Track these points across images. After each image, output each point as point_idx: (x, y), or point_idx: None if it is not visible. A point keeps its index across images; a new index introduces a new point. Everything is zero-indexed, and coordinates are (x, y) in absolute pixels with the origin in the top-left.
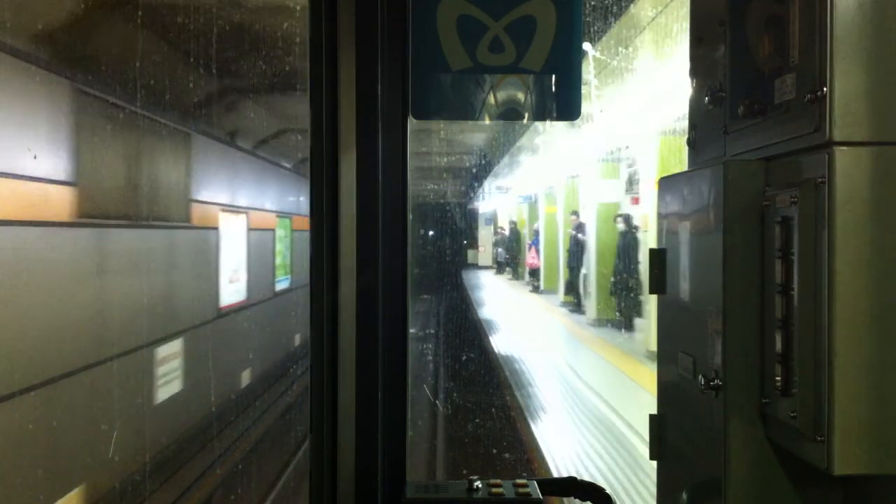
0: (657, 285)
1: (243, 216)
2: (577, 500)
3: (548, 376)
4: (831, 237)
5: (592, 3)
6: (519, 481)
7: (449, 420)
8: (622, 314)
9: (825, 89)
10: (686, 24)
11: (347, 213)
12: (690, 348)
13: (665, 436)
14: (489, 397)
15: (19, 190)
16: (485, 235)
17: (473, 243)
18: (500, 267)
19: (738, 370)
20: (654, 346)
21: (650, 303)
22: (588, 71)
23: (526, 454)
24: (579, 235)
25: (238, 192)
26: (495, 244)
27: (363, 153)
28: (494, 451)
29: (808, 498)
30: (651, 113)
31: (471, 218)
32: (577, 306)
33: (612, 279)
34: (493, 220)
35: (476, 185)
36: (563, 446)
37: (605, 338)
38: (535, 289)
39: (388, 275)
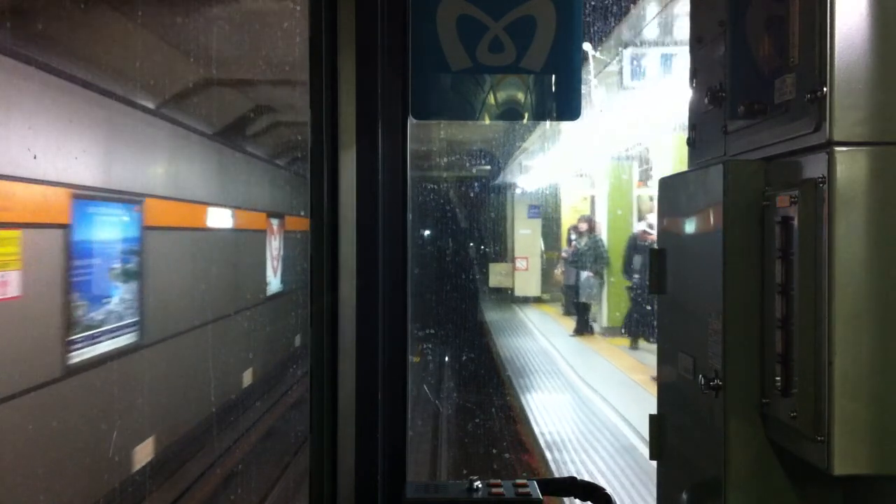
0: (657, 285)
1: None
2: (577, 501)
3: None
4: (831, 237)
5: (592, 3)
6: (519, 481)
7: None
8: None
9: (825, 89)
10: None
11: (347, 213)
12: (690, 348)
13: (665, 436)
14: None
15: None
16: (527, 239)
17: (501, 249)
18: (581, 314)
19: (738, 370)
20: None
21: None
22: None
23: None
24: None
25: None
26: (573, 260)
27: (363, 153)
28: None
29: (808, 498)
30: None
31: (496, 201)
32: None
33: None
34: (541, 206)
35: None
36: None
37: None
38: None
39: (388, 275)
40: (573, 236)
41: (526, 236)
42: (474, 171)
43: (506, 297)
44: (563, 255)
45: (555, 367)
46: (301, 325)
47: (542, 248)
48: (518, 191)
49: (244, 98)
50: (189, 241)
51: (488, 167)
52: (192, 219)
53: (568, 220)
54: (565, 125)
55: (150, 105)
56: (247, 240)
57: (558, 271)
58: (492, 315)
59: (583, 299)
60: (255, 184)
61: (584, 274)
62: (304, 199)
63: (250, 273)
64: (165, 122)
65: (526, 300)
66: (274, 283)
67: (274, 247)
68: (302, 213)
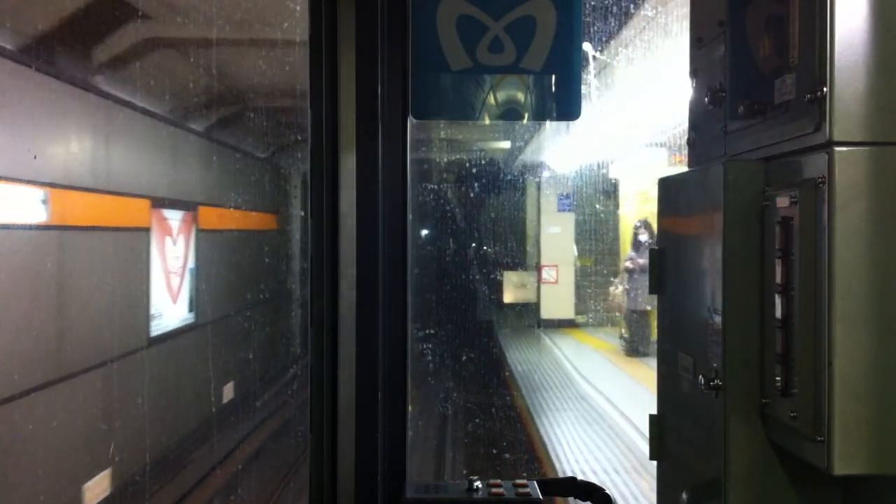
0: (657, 285)
1: None
2: (577, 500)
3: None
4: (831, 237)
5: (592, 3)
6: (519, 481)
7: None
8: None
9: (825, 89)
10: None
11: (347, 213)
12: (690, 348)
13: (665, 436)
14: None
15: None
16: (556, 241)
17: (519, 255)
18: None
19: (738, 370)
20: None
21: None
22: None
23: None
24: None
25: None
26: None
27: (363, 153)
28: None
29: (808, 498)
30: None
31: (515, 189)
32: None
33: None
34: (577, 195)
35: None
36: None
37: None
38: None
39: (389, 275)
40: (643, 237)
41: (555, 236)
42: (487, 148)
43: (529, 317)
44: (628, 264)
45: None
46: (237, 363)
47: (575, 254)
48: (545, 174)
49: None
50: None
51: (506, 144)
52: None
53: (632, 214)
54: (633, 61)
55: None
56: (96, 245)
57: (618, 290)
58: (516, 353)
59: None
60: (125, 149)
61: None
62: (235, 176)
63: (104, 304)
64: None
65: (557, 325)
66: (171, 313)
67: (172, 256)
68: (224, 202)
